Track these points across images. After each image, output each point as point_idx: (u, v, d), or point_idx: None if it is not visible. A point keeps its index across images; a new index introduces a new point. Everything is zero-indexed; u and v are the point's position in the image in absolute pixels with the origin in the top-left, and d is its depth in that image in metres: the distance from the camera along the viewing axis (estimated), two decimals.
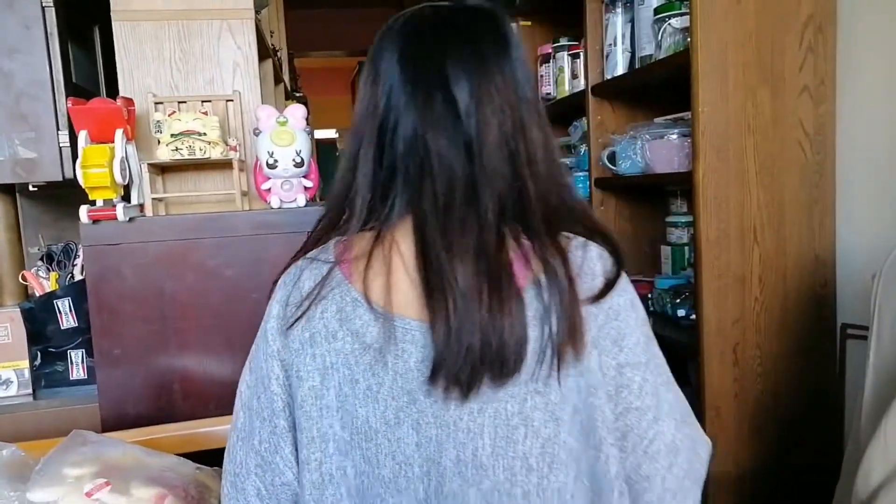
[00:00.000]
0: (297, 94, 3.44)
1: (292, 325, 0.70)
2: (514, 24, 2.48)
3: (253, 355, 0.77)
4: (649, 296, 1.84)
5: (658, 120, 1.73)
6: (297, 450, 0.71)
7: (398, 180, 0.69)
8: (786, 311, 1.49)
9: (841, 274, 1.51)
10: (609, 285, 0.67)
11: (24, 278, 1.53)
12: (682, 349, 1.53)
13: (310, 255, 0.75)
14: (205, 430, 1.32)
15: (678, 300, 1.71)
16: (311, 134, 1.40)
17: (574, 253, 0.68)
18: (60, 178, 1.41)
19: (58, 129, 1.41)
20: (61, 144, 1.41)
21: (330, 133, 8.24)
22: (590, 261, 0.68)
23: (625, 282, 0.70)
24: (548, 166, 0.70)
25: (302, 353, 0.70)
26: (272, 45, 2.10)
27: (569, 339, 0.65)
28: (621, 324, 0.68)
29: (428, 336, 0.65)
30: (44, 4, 1.38)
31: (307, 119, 1.39)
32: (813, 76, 1.43)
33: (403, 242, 0.69)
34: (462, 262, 0.64)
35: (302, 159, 1.35)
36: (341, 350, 0.68)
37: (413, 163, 0.68)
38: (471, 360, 0.62)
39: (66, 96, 1.40)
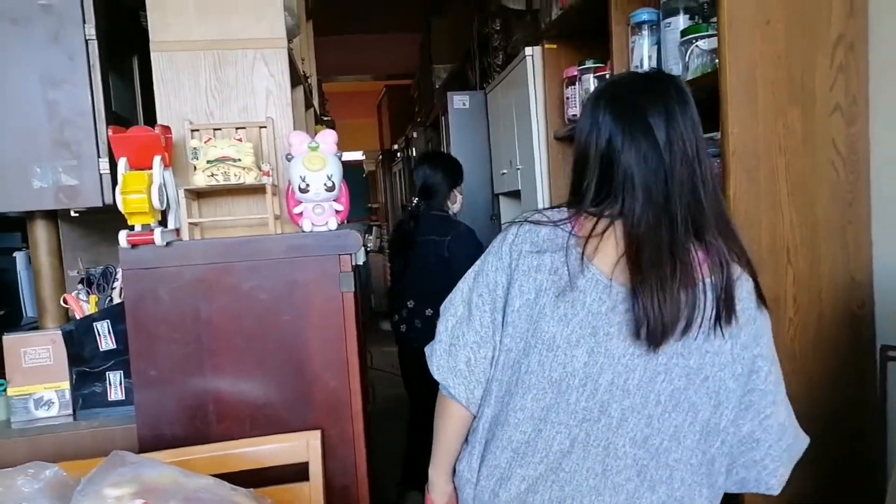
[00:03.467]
0: (325, 118, 3.50)
1: (527, 254, 1.00)
2: (539, 48, 2.50)
3: (480, 267, 1.07)
4: None
5: None
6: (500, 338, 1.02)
7: (617, 194, 0.98)
8: (821, 333, 1.46)
9: (880, 295, 1.48)
10: (751, 309, 0.99)
11: (65, 301, 1.57)
12: None
13: (547, 214, 1.04)
14: (239, 451, 1.33)
15: None
16: (340, 158, 1.43)
17: (733, 273, 0.97)
18: (101, 204, 1.45)
19: (98, 157, 1.46)
20: (102, 171, 1.46)
21: (356, 155, 8.34)
22: (741, 287, 0.98)
23: (763, 308, 1.01)
24: (713, 184, 0.98)
25: (528, 275, 0.99)
26: (303, 71, 2.15)
27: (716, 326, 0.95)
28: (759, 328, 1.00)
29: (621, 295, 0.95)
30: (87, 37, 1.43)
31: (337, 144, 1.42)
32: (844, 95, 1.42)
33: (616, 233, 0.98)
34: (659, 251, 0.93)
35: (333, 183, 1.38)
36: (556, 282, 0.97)
37: (628, 184, 0.97)
38: (654, 326, 0.91)
39: (107, 125, 1.44)
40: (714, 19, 1.46)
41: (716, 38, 1.42)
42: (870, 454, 1.47)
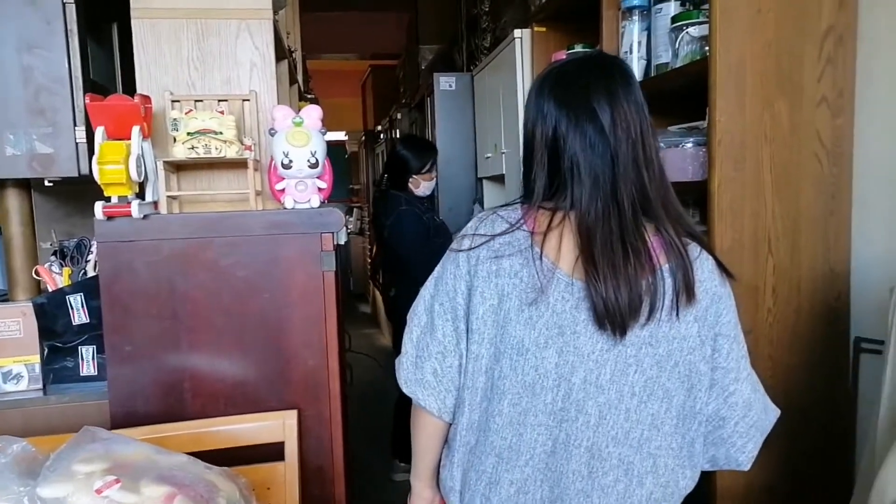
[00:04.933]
0: (309, 96, 3.44)
1: (485, 260, 0.98)
2: (528, 31, 2.48)
3: (440, 274, 1.04)
4: None
5: (672, 128, 1.72)
6: (466, 346, 1.01)
7: (566, 183, 0.96)
8: (799, 323, 1.48)
9: (855, 287, 1.50)
10: (714, 287, 0.98)
11: (37, 273, 1.53)
12: None
13: (501, 214, 1.01)
14: (214, 429, 1.32)
15: None
16: (325, 134, 1.40)
17: (692, 254, 0.96)
18: (76, 174, 1.42)
19: (75, 125, 1.41)
20: (78, 140, 1.42)
21: (339, 135, 8.24)
22: (702, 267, 0.97)
23: (727, 283, 1.00)
24: (658, 167, 0.97)
25: (488, 281, 0.97)
26: (288, 46, 2.10)
27: (677, 310, 0.94)
28: (721, 307, 0.98)
29: (583, 290, 0.93)
30: (65, 1, 1.38)
31: (322, 120, 1.39)
32: (832, 87, 1.43)
33: (571, 224, 0.96)
34: (609, 239, 0.92)
35: (317, 160, 1.36)
36: (517, 285, 0.95)
37: (575, 172, 0.95)
38: (612, 312, 0.90)
39: (84, 92, 1.40)
40: (706, 6, 1.45)
41: (706, 26, 1.42)
42: (841, 442, 1.50)
